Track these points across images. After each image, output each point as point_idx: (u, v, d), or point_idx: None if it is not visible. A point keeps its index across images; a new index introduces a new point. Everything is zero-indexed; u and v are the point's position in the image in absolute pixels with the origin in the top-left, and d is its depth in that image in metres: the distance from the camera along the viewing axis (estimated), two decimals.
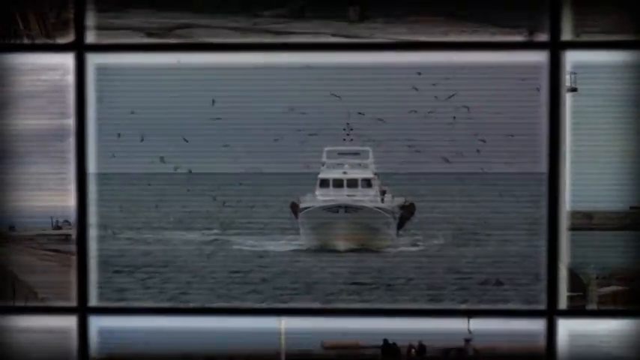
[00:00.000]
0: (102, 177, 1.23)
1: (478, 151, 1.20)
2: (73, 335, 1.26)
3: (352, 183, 1.29)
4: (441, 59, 1.20)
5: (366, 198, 1.29)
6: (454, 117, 1.17)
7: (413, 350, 1.25)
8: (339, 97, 1.19)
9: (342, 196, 1.27)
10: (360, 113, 1.23)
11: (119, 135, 1.29)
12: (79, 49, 1.22)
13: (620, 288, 1.20)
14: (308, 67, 1.19)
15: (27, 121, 1.29)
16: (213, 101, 1.27)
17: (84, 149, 1.24)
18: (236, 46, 1.20)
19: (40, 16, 1.25)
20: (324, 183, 1.28)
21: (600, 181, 1.19)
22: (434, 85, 1.26)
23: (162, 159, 1.24)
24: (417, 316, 1.26)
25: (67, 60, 1.24)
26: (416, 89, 1.27)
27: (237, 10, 1.19)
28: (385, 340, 1.22)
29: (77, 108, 1.24)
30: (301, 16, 1.21)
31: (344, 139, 1.21)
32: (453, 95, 1.24)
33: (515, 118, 1.20)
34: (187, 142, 1.28)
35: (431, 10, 1.19)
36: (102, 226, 1.24)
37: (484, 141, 1.28)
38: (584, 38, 1.16)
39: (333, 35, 1.19)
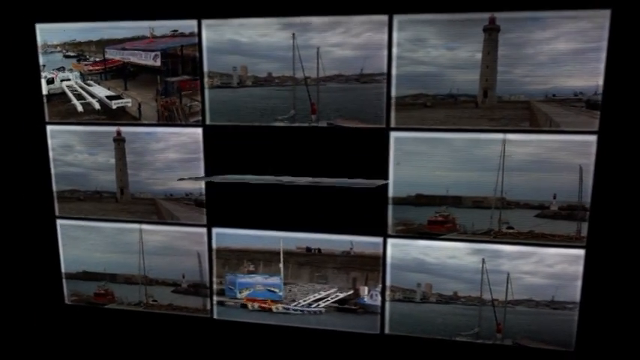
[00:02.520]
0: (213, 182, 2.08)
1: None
2: (205, 236, 2.14)
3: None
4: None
5: None
6: None
7: (316, 250, 2.11)
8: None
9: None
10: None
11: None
12: (204, 127, 2.04)
13: (403, 227, 2.02)
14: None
15: (175, 155, 2.11)
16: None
17: (209, 166, 2.07)
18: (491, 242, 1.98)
19: (182, 109, 2.07)
20: None
21: (408, 185, 2.00)
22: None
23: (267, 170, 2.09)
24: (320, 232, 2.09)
25: (198, 130, 2.06)
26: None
27: (268, 119, 2.03)
28: (307, 247, 2.13)
29: (204, 150, 2.06)
30: (294, 120, 2.01)
31: None
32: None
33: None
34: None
35: (354, 116, 1.97)
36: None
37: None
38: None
39: (306, 126, 1.99)
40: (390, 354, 2.23)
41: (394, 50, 1.94)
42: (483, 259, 2.03)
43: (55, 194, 2.39)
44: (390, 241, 2.11)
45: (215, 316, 2.33)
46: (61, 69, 2.17)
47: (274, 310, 2.25)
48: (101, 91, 2.16)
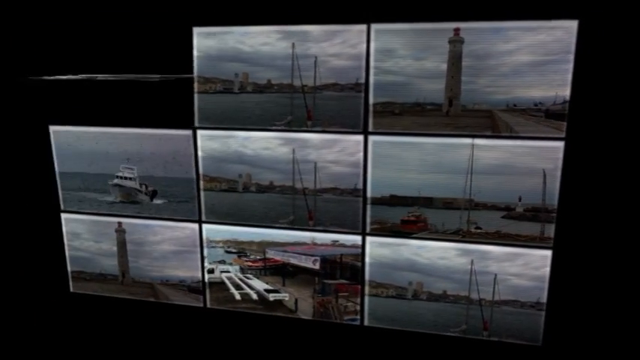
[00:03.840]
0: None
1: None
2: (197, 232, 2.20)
3: (127, 179, 2.34)
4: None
5: (131, 184, 2.32)
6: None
7: None
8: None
9: (124, 182, 2.29)
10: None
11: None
12: (193, 129, 2.16)
13: (377, 226, 2.11)
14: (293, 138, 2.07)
15: (169, 148, 2.21)
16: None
17: (198, 167, 2.19)
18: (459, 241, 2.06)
19: (338, 308, 2.22)
20: (120, 178, 2.35)
21: (382, 186, 2.09)
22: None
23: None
24: None
25: (188, 132, 2.17)
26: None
27: (265, 125, 2.12)
28: None
29: (194, 149, 2.16)
30: (290, 126, 2.11)
31: None
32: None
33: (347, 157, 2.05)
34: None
35: (343, 124, 2.03)
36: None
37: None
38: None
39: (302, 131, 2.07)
40: (369, 345, 2.35)
41: (371, 59, 2.04)
42: (472, 260, 2.14)
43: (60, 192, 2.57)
44: (369, 239, 2.24)
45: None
46: (222, 262, 2.36)
47: None
48: (260, 285, 2.33)
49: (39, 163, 2.55)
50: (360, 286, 2.27)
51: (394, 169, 2.12)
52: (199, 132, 2.30)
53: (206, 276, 2.48)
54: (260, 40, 2.13)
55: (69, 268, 2.66)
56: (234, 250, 2.40)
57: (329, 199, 2.21)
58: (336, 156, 2.14)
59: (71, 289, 2.68)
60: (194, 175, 2.34)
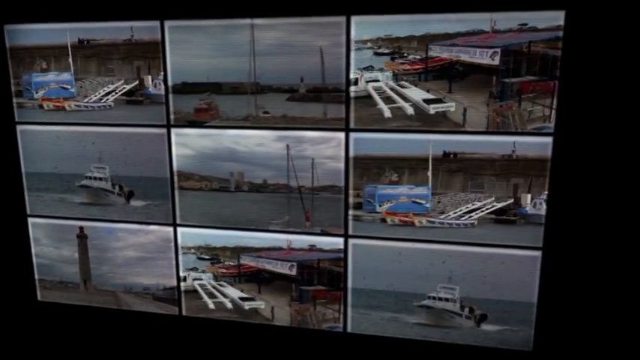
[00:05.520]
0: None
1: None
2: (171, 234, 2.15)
3: (98, 178, 2.23)
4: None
5: (100, 184, 2.23)
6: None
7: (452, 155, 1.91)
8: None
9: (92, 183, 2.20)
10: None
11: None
12: (168, 127, 2.09)
13: (178, 116, 2.10)
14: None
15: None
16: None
17: (172, 165, 2.12)
18: (250, 127, 2.03)
19: (520, 115, 1.87)
20: (90, 178, 2.26)
21: (175, 73, 2.05)
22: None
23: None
24: None
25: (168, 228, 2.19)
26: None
27: (263, 224, 2.14)
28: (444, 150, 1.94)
29: (168, 147, 2.13)
30: (288, 226, 2.13)
31: None
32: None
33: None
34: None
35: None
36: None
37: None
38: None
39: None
40: (352, 353, 2.25)
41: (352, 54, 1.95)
42: (288, 145, 2.08)
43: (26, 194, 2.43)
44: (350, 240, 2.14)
45: (350, 232, 2.10)
46: (369, 68, 1.89)
47: (417, 224, 2.00)
48: (418, 94, 1.87)
49: (4, 163, 2.42)
50: (341, 292, 2.17)
51: (185, 55, 2.07)
52: (182, 130, 2.22)
53: (352, 90, 2.03)
54: (255, 141, 2.12)
55: (36, 276, 2.52)
56: (206, 257, 2.29)
57: (327, 198, 2.09)
58: (334, 151, 2.04)
59: (39, 298, 2.54)
60: (174, 175, 2.25)
